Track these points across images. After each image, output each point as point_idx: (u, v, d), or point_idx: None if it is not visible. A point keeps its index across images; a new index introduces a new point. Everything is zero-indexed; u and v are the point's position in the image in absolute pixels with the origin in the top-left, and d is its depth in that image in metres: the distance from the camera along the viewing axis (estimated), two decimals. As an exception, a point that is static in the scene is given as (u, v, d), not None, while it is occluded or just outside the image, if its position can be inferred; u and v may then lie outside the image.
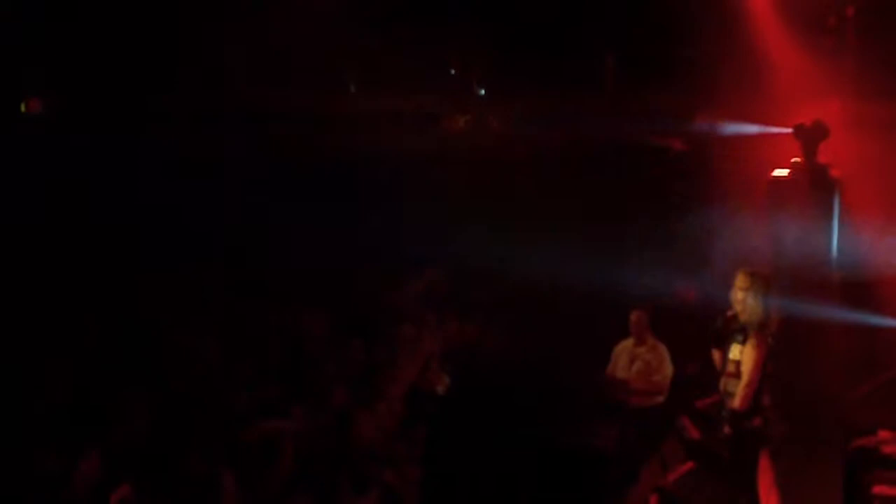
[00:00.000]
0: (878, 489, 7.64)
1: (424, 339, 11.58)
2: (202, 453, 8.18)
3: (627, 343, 11.32)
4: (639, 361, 11.14)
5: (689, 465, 9.07)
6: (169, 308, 12.09)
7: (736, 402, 8.07)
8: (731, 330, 8.29)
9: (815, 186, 12.26)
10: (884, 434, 8.08)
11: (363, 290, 13.47)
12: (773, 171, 12.59)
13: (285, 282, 13.32)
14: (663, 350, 11.20)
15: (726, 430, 8.25)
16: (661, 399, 11.01)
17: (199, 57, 14.40)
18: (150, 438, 8.54)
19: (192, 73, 14.44)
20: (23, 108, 14.61)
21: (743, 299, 8.19)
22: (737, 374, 8.23)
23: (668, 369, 11.12)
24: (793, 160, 12.49)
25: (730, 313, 8.28)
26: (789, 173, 12.48)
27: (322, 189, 14.15)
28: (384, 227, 14.03)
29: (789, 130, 12.54)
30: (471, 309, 13.19)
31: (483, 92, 14.89)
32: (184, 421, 9.03)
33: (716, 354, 8.36)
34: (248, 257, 13.39)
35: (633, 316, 11.29)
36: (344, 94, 14.76)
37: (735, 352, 8.26)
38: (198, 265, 13.01)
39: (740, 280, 8.23)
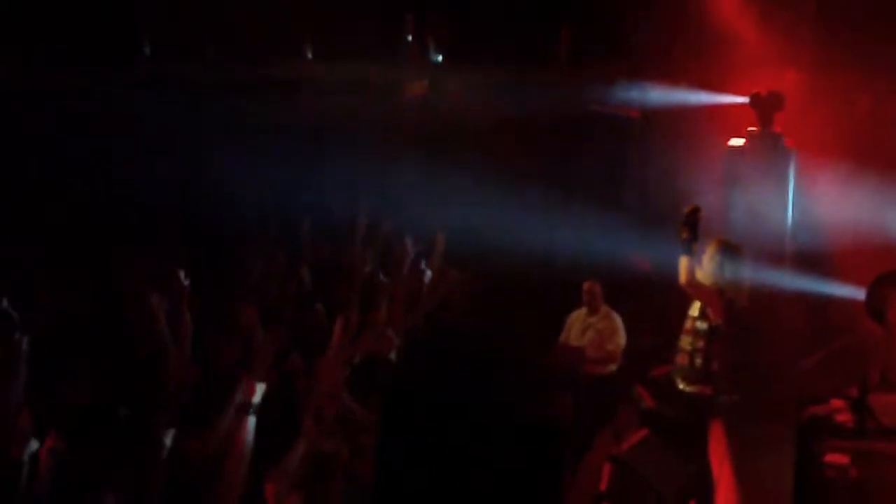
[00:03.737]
0: (831, 458, 7.68)
1: (378, 304, 11.50)
2: (154, 419, 8.08)
3: (580, 313, 11.34)
4: (591, 331, 11.16)
5: (642, 433, 9.09)
6: (124, 269, 11.96)
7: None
8: None
9: (771, 156, 12.29)
10: (836, 403, 8.12)
11: (320, 256, 13.40)
12: (728, 140, 12.60)
13: (242, 249, 13.24)
14: (616, 319, 11.23)
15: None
16: (613, 368, 11.04)
17: (154, 24, 14.25)
18: (91, 393, 8.43)
19: (147, 40, 14.28)
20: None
21: (706, 264, 8.42)
22: (691, 331, 8.35)
23: (621, 338, 11.15)
24: (749, 129, 12.50)
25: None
26: (745, 142, 12.49)
27: (277, 157, 14.06)
28: (340, 194, 13.95)
29: (745, 100, 12.54)
30: (423, 276, 13.16)
31: (440, 59, 14.79)
32: (127, 378, 8.94)
33: None
34: (206, 225, 13.28)
35: (586, 286, 11.31)
36: (300, 62, 14.63)
37: (695, 309, 8.40)
38: (155, 230, 12.90)
39: (708, 248, 8.46)
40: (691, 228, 8.37)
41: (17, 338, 6.74)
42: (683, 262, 8.31)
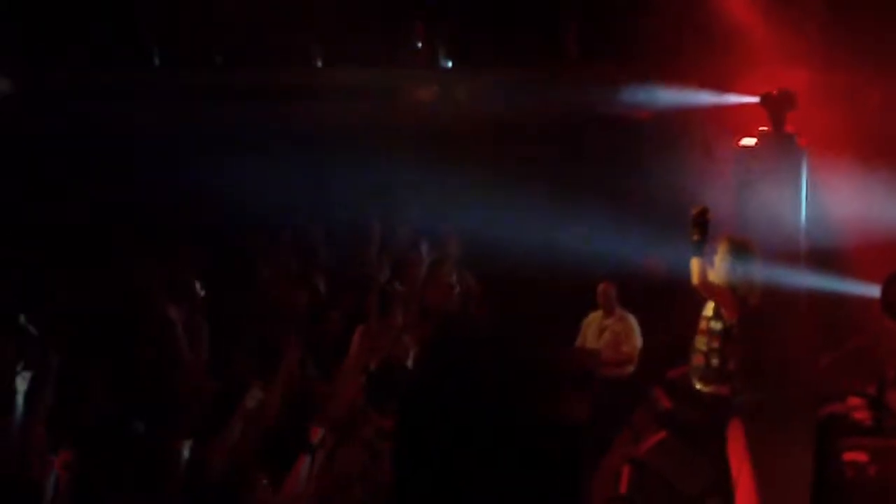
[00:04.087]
0: (849, 456, 7.66)
1: (394, 311, 11.50)
2: (159, 423, 8.05)
3: (596, 315, 11.34)
4: (607, 333, 11.16)
5: (661, 434, 9.09)
6: (137, 278, 11.96)
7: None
8: None
9: (783, 155, 12.27)
10: (854, 401, 8.10)
11: (331, 263, 13.40)
12: (740, 139, 12.58)
13: (257, 255, 13.25)
14: (632, 321, 11.23)
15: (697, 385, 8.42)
16: (630, 370, 11.03)
17: (161, 29, 14.30)
18: (106, 407, 8.42)
19: (152, 47, 14.33)
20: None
21: (719, 264, 8.42)
22: (706, 331, 8.36)
23: (637, 340, 11.15)
24: (760, 129, 12.48)
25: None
26: (756, 142, 12.47)
27: (288, 163, 14.07)
28: (352, 200, 13.96)
29: (757, 99, 12.51)
30: (440, 279, 13.15)
31: (449, 64, 14.80)
32: (143, 391, 8.92)
33: None
34: (220, 232, 13.30)
35: (601, 288, 11.31)
36: (309, 68, 14.65)
37: (708, 309, 8.40)
38: (170, 239, 12.93)
39: (719, 247, 8.45)
40: (701, 229, 8.37)
41: (48, 359, 6.71)
42: (695, 264, 8.31)
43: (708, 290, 8.40)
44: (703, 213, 8.37)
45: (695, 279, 8.33)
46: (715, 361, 8.38)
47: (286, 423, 8.74)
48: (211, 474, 7.02)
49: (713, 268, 8.48)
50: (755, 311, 8.69)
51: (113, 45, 14.03)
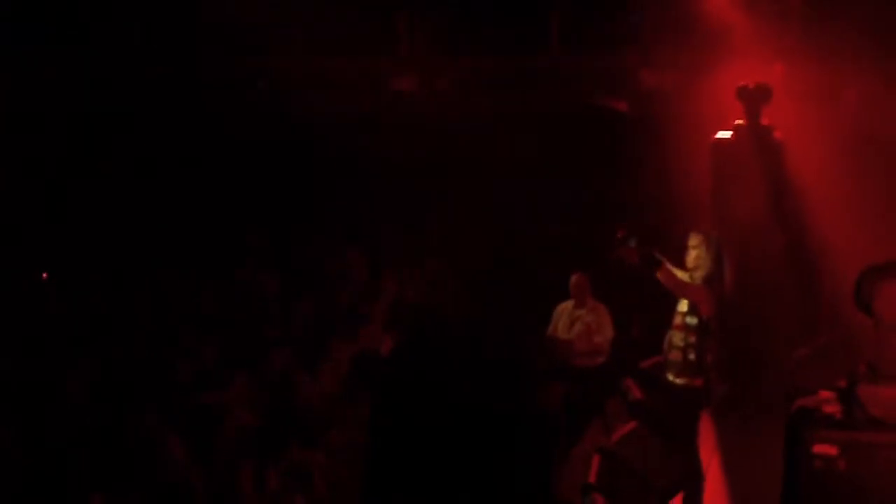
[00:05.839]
0: (819, 448, 7.69)
1: (371, 302, 11.55)
2: (144, 419, 8.08)
3: (567, 305, 11.32)
4: (579, 323, 11.14)
5: (631, 425, 9.13)
6: (112, 273, 11.99)
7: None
8: None
9: (759, 149, 12.30)
10: (825, 394, 8.12)
11: (309, 254, 13.43)
12: (716, 132, 12.61)
13: (233, 245, 13.27)
14: (604, 312, 11.22)
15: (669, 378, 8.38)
16: (602, 360, 11.03)
17: (139, 20, 14.27)
18: (89, 406, 8.43)
19: (134, 37, 14.29)
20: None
21: (696, 256, 8.33)
22: (682, 327, 8.33)
23: (610, 331, 11.14)
24: (736, 122, 12.51)
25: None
26: (732, 135, 12.50)
27: (265, 155, 14.08)
28: (328, 192, 13.98)
29: (733, 92, 12.55)
30: (417, 272, 13.19)
31: (429, 54, 14.80)
32: (124, 387, 8.94)
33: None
34: (195, 222, 13.30)
35: (574, 278, 11.29)
36: (288, 57, 14.63)
37: (683, 305, 8.37)
38: (142, 229, 12.93)
39: (692, 239, 8.38)
40: (640, 248, 8.19)
41: None
42: (663, 272, 8.20)
43: (682, 291, 8.34)
44: (623, 236, 8.21)
45: (667, 283, 8.22)
46: (692, 356, 8.34)
47: (268, 414, 8.79)
48: (196, 468, 7.06)
49: (684, 265, 8.43)
50: (732, 304, 8.68)
51: (95, 36, 13.98)
